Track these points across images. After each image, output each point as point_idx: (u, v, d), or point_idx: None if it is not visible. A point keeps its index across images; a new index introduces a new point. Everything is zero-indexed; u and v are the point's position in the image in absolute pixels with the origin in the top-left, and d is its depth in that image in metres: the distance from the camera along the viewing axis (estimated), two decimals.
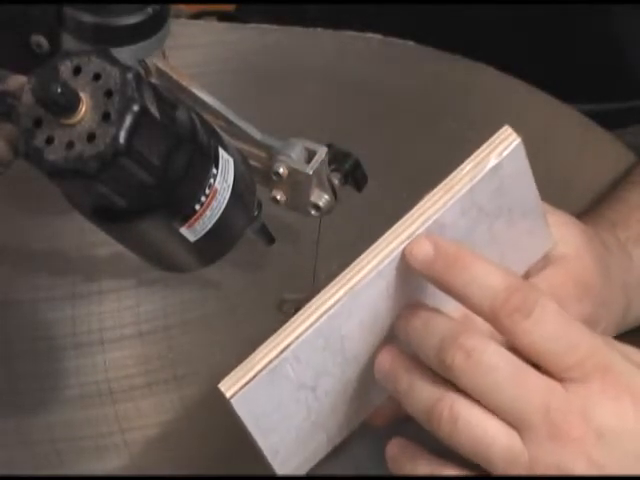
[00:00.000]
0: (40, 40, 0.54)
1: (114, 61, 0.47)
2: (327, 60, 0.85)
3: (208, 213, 0.52)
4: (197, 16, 1.01)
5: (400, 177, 0.78)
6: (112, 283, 0.73)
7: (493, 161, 0.52)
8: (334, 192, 0.62)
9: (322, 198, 0.62)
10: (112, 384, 0.69)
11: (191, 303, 0.72)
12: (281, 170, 0.60)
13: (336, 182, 0.62)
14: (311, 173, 0.60)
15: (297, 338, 0.50)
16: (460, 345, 0.49)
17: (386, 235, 0.52)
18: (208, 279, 0.73)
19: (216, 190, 0.52)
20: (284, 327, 0.50)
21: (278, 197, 0.62)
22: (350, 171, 0.62)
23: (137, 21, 0.54)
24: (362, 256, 0.51)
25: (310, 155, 0.61)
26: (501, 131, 0.52)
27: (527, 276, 0.58)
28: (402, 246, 0.51)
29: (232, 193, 0.53)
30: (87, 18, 0.53)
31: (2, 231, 0.74)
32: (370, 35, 0.86)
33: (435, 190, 0.52)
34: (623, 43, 0.92)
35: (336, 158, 0.62)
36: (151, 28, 0.55)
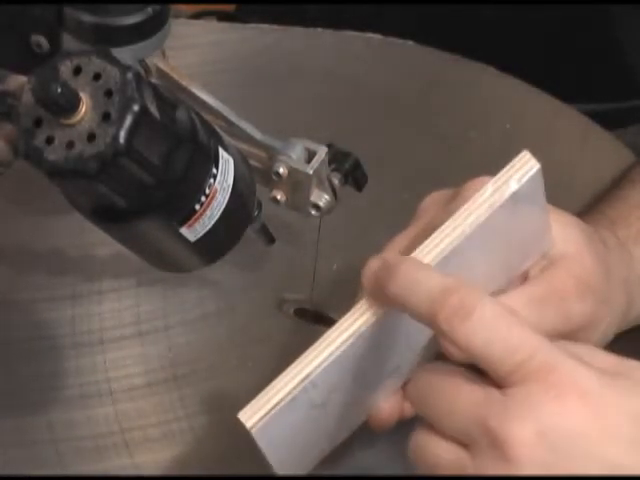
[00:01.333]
0: (40, 40, 0.54)
1: (114, 61, 0.47)
2: (327, 60, 0.85)
3: (208, 213, 0.52)
4: (197, 16, 1.01)
5: (400, 177, 0.78)
6: (112, 283, 0.73)
7: (513, 188, 0.51)
8: (334, 192, 0.62)
9: (322, 198, 0.62)
10: (112, 384, 0.69)
11: (191, 303, 0.72)
12: (281, 170, 0.60)
13: (336, 182, 0.62)
14: (311, 173, 0.60)
15: (317, 367, 0.49)
16: None
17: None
18: (208, 279, 0.73)
19: (216, 190, 0.52)
20: (304, 355, 0.49)
21: (278, 197, 0.62)
22: (350, 171, 0.62)
23: (137, 21, 0.54)
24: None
25: (310, 155, 0.61)
26: (520, 156, 0.51)
27: (526, 277, 0.58)
28: None
29: (232, 193, 0.53)
30: (87, 18, 0.53)
31: (2, 231, 0.74)
32: (370, 35, 0.86)
33: (455, 216, 0.51)
34: (623, 43, 0.92)
35: (336, 158, 0.62)
36: (151, 28, 0.55)
